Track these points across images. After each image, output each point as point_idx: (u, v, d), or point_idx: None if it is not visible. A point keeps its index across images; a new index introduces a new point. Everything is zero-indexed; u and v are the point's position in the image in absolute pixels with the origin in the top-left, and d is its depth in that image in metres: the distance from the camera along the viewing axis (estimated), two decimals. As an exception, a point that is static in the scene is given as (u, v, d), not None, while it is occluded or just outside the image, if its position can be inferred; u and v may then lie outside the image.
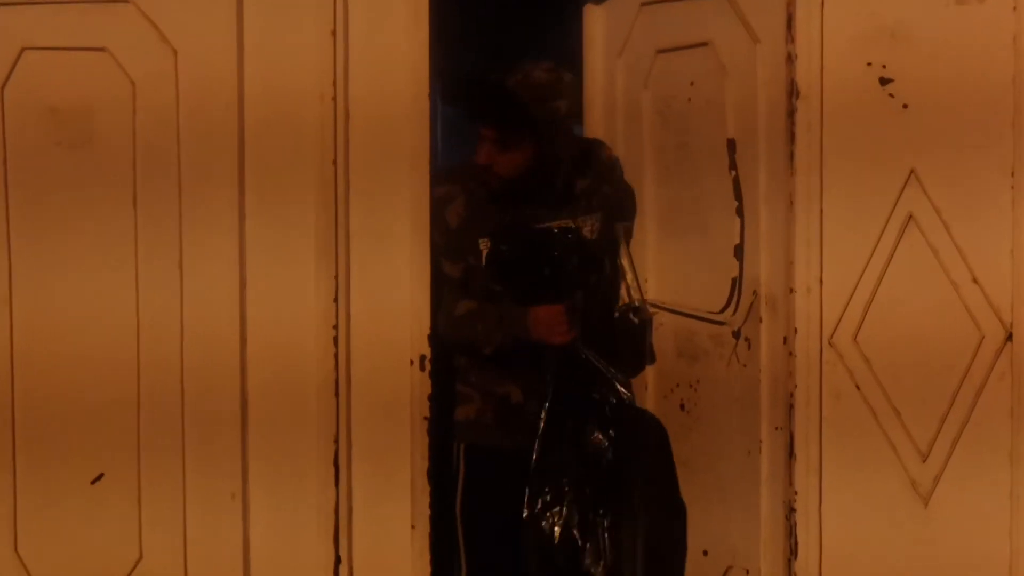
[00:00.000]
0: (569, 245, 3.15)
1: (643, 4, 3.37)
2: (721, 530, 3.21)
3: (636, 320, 3.26)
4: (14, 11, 3.26)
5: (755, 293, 3.01)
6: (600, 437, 3.03)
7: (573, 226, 3.20)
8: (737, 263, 3.04)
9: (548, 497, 2.98)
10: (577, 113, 3.23)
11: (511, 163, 3.04)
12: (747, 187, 3.06)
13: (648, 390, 3.49)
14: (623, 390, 3.13)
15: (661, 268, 3.48)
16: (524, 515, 2.99)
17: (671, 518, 3.14)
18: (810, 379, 2.92)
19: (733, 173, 3.06)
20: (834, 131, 2.91)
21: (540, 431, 3.05)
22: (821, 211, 2.91)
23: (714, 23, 3.14)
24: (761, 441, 3.00)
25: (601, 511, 3.05)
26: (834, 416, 2.93)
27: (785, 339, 2.92)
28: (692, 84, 3.22)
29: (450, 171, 3.16)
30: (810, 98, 2.89)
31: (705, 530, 3.30)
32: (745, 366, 3.08)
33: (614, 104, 3.59)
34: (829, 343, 2.93)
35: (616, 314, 3.27)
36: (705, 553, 3.27)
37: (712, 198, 3.20)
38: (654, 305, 3.44)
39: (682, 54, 3.25)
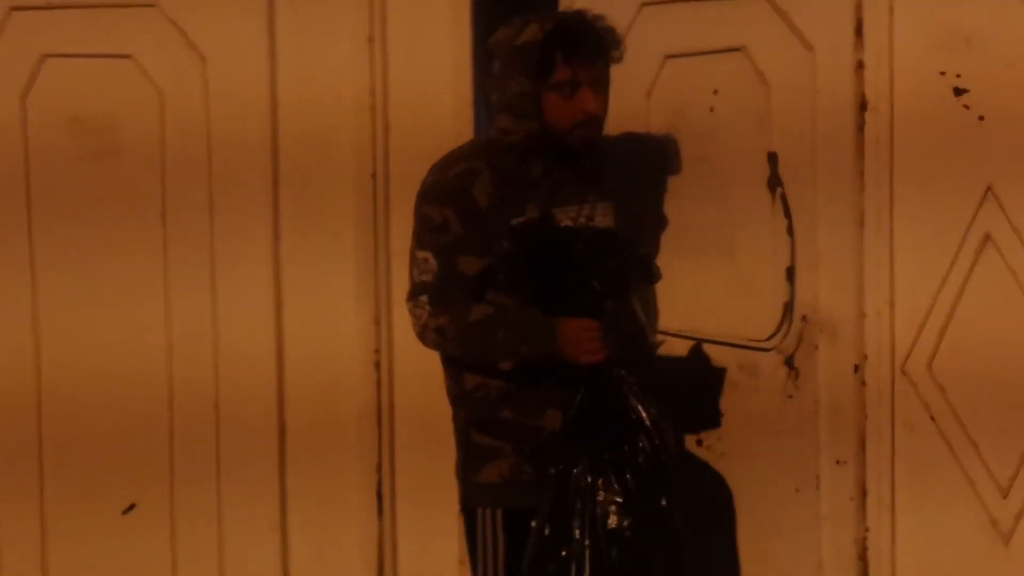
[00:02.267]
0: (609, 247, 2.79)
1: (644, 4, 3.12)
2: (760, 568, 3.04)
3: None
4: (35, 16, 3.19)
5: (804, 318, 2.84)
6: (616, 503, 2.42)
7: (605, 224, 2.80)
8: (787, 286, 2.86)
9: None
10: None
11: (602, 103, 2.65)
12: (797, 204, 2.89)
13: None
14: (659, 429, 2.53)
15: (671, 292, 3.13)
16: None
17: None
18: (881, 410, 2.78)
19: (779, 189, 2.89)
20: (905, 145, 2.76)
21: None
22: (891, 230, 2.75)
23: (748, 27, 2.96)
24: (819, 477, 2.85)
25: None
26: (907, 449, 2.79)
27: (857, 367, 2.75)
28: (716, 93, 3.02)
29: (467, 148, 2.73)
30: (879, 109, 2.74)
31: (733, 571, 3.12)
32: (791, 397, 2.90)
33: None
34: (902, 371, 2.78)
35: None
36: None
37: (742, 215, 2.99)
38: (669, 333, 3.12)
39: (701, 59, 3.03)
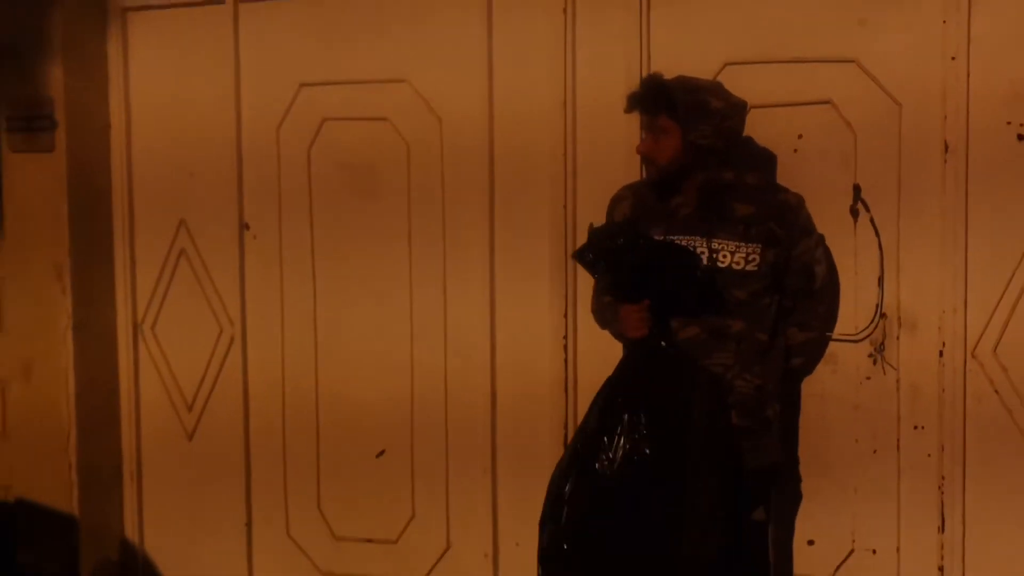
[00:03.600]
0: (654, 254, 2.92)
1: (728, 63, 3.30)
2: (836, 520, 3.31)
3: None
4: (318, 90, 3.79)
5: (884, 315, 3.22)
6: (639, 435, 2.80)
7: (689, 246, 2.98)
8: (878, 291, 3.22)
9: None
10: (731, 116, 2.97)
11: (664, 149, 2.93)
12: (881, 227, 3.21)
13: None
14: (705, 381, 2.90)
15: None
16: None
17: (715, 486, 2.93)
18: (955, 385, 3.18)
19: (865, 214, 3.21)
20: (977, 178, 3.13)
21: (596, 401, 2.95)
22: (966, 246, 3.15)
23: (835, 85, 3.21)
24: (899, 440, 3.22)
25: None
26: (975, 416, 3.17)
27: (941, 352, 3.17)
28: (800, 137, 3.26)
29: (631, 184, 3.23)
30: (957, 152, 3.13)
31: (814, 522, 3.36)
32: (868, 378, 3.25)
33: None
34: (972, 355, 3.18)
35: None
36: (811, 543, 3.36)
37: (824, 233, 3.16)
38: None
39: (788, 109, 3.23)
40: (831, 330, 3.27)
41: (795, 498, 3.38)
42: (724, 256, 2.96)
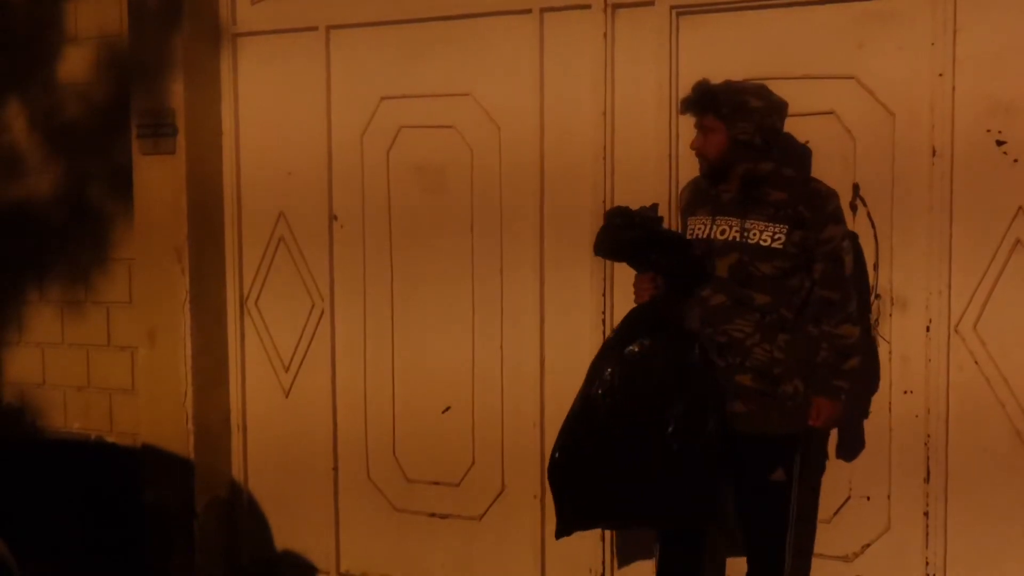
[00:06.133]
0: (650, 231, 3.11)
1: (747, 80, 3.30)
2: (835, 471, 3.38)
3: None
4: (396, 102, 3.91)
5: (878, 296, 3.32)
6: (636, 351, 3.05)
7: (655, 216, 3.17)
8: (874, 274, 3.33)
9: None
10: (770, 115, 3.07)
11: (711, 145, 3.05)
12: (877, 218, 3.30)
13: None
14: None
15: None
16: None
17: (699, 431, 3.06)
18: (940, 356, 3.28)
19: (866, 209, 3.31)
20: (961, 179, 3.23)
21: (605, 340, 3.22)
22: (950, 236, 3.26)
23: (838, 98, 3.30)
24: (890, 402, 3.33)
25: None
26: (957, 383, 3.28)
27: (928, 327, 3.26)
28: (807, 143, 3.37)
29: (695, 177, 3.27)
30: (943, 156, 3.23)
31: (816, 471, 3.42)
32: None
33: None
34: (955, 330, 3.27)
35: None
36: (814, 489, 3.43)
37: None
38: None
39: (798, 120, 3.28)
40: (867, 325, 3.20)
41: (818, 468, 3.44)
42: (754, 234, 3.06)
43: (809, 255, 3.08)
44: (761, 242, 3.06)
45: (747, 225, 3.09)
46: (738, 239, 3.09)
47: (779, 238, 3.05)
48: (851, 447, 3.45)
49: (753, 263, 3.07)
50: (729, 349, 3.11)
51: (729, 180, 3.14)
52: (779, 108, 3.11)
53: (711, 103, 3.07)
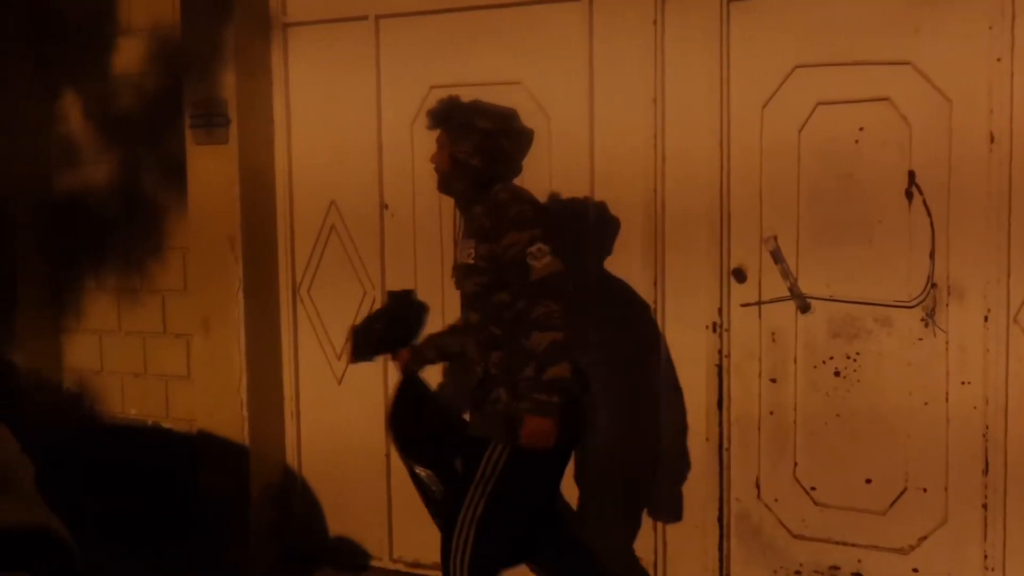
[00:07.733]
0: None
1: (798, 66, 3.33)
2: (891, 462, 3.36)
3: None
4: (446, 92, 3.36)
5: (934, 285, 3.29)
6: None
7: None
8: (929, 263, 3.27)
9: None
10: (499, 140, 3.05)
11: (438, 161, 3.10)
12: (933, 207, 3.25)
13: (796, 363, 3.49)
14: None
15: (817, 269, 3.41)
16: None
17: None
18: (999, 346, 3.24)
19: (921, 196, 3.26)
20: (1019, 166, 3.17)
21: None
22: (1009, 225, 3.21)
23: (894, 84, 3.25)
24: (948, 392, 3.28)
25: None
26: (1017, 374, 3.24)
27: (986, 317, 3.23)
28: (861, 129, 3.30)
29: None
30: (1001, 142, 3.19)
31: (871, 463, 3.40)
32: (921, 339, 3.28)
33: (759, 145, 3.50)
34: (1014, 320, 3.25)
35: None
36: (868, 481, 3.41)
37: (879, 216, 3.27)
38: (829, 299, 3.38)
39: (850, 106, 3.27)
40: (570, 328, 2.90)
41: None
42: (463, 254, 3.08)
43: (501, 266, 2.99)
44: (464, 260, 3.06)
45: (462, 245, 3.11)
46: (457, 260, 3.14)
47: (470, 253, 3.03)
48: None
49: (463, 282, 3.09)
50: (470, 367, 3.16)
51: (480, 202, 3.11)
52: (513, 133, 3.09)
53: (443, 119, 3.09)
